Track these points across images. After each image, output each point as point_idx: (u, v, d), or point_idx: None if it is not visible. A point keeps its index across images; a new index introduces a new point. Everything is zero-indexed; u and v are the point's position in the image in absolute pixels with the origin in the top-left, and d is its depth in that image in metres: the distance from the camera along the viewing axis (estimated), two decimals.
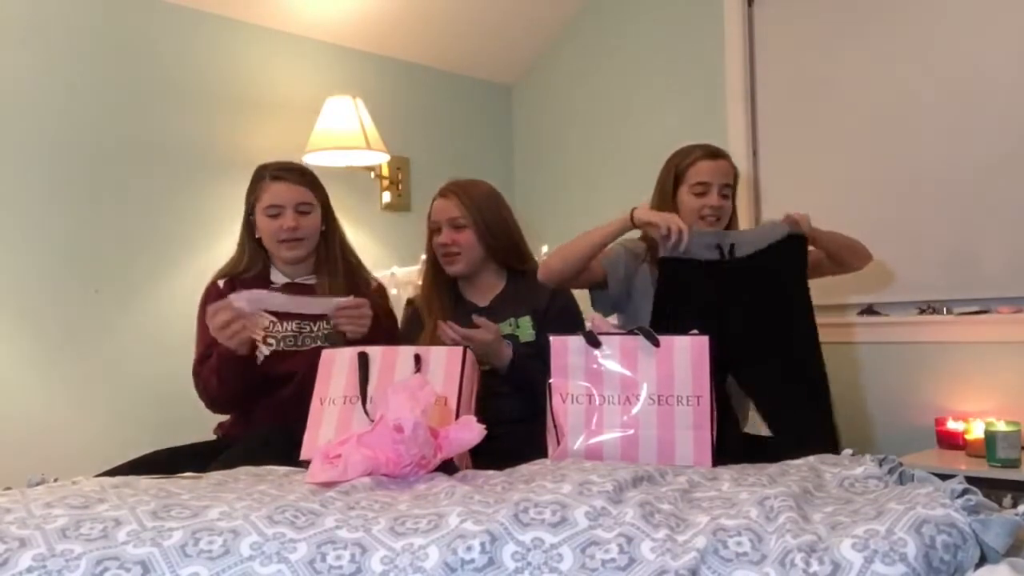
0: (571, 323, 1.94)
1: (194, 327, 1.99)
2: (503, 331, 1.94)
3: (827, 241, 2.01)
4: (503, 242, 2.02)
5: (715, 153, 2.08)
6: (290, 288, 1.96)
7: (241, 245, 2.03)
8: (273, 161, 2.02)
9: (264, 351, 1.89)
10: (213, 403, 1.91)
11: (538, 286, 2.00)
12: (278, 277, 2.00)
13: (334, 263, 2.00)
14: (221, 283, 1.99)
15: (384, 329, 1.96)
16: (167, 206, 2.67)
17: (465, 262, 1.99)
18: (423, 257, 2.11)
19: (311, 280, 2.00)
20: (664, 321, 1.78)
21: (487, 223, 1.99)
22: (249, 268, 2.00)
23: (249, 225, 2.00)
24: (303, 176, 1.98)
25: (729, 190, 2.08)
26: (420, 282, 2.13)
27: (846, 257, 2.08)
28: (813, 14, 2.82)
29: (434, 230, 2.03)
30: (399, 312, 2.15)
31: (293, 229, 1.91)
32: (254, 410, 1.90)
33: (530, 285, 2.01)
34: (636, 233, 2.08)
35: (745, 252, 1.87)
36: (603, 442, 1.49)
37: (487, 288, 2.04)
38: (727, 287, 1.85)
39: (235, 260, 2.03)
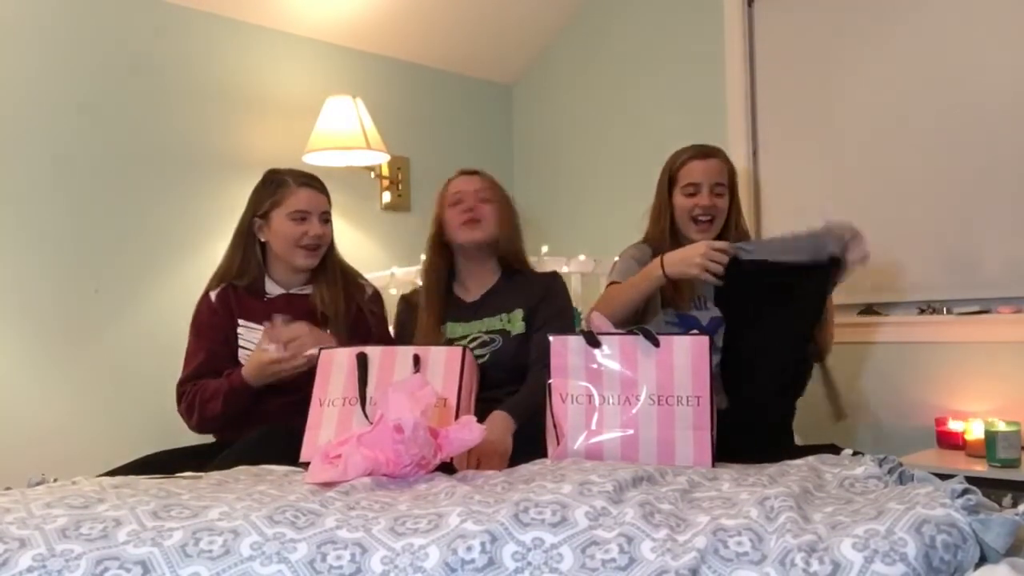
0: (561, 312, 1.96)
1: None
2: (494, 327, 1.95)
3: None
4: (513, 237, 2.04)
5: (706, 152, 2.05)
6: (286, 299, 1.96)
7: (235, 249, 1.99)
8: (285, 168, 2.03)
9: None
10: (202, 423, 1.89)
11: (532, 285, 1.99)
12: (272, 287, 1.98)
13: (332, 272, 2.00)
14: (213, 296, 1.97)
15: (378, 338, 1.97)
16: (167, 206, 2.67)
17: (485, 231, 1.98)
18: (423, 257, 2.11)
19: (307, 290, 1.99)
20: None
21: (506, 212, 2.02)
22: (242, 274, 1.97)
23: (250, 228, 1.98)
24: (324, 187, 2.01)
25: (723, 188, 2.03)
26: (420, 280, 2.13)
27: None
28: (813, 14, 2.82)
29: (453, 203, 2.00)
30: (393, 309, 2.15)
31: (319, 236, 1.93)
32: (253, 416, 1.88)
33: (523, 284, 2.01)
34: (640, 230, 2.09)
35: (752, 256, 1.78)
36: (603, 442, 1.49)
37: (479, 284, 2.03)
38: (734, 293, 1.81)
39: (226, 265, 1.99)
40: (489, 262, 2.04)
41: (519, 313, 1.96)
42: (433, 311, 1.97)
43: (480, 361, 1.90)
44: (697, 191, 2.01)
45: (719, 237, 2.01)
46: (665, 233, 2.04)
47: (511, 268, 2.05)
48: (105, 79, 2.56)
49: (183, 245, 2.69)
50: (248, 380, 1.81)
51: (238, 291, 1.97)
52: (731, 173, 2.07)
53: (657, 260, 1.84)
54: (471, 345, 1.92)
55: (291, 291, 1.98)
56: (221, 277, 2.00)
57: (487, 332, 1.95)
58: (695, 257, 1.77)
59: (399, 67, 3.32)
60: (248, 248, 1.98)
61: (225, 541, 0.97)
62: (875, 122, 2.66)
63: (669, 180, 2.06)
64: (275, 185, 1.95)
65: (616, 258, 2.08)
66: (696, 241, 1.92)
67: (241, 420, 1.87)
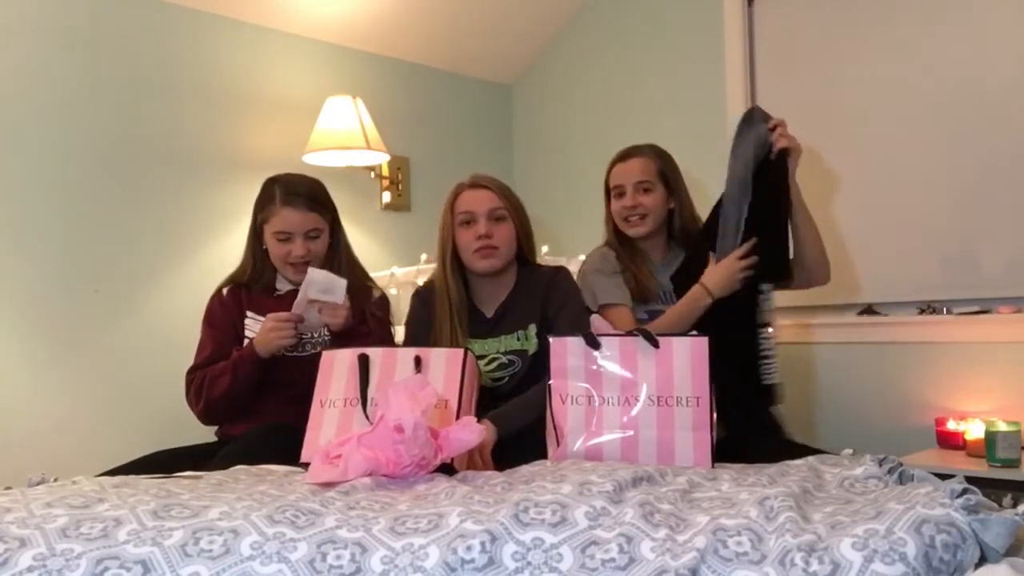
0: (568, 300, 1.93)
1: (195, 327, 2.01)
2: (511, 346, 1.91)
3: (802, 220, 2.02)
4: (530, 241, 1.99)
5: (625, 154, 2.15)
6: (295, 295, 1.97)
7: (247, 254, 2.04)
8: (283, 173, 2.01)
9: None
10: (209, 405, 1.90)
11: (540, 286, 1.95)
12: (284, 285, 2.03)
13: (339, 273, 2.00)
14: (225, 291, 2.02)
15: (376, 343, 1.95)
16: (167, 206, 2.67)
17: (501, 258, 1.91)
18: (423, 257, 2.10)
19: None
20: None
21: (521, 222, 1.95)
22: (255, 278, 2.02)
23: (256, 233, 2.01)
24: (313, 201, 1.95)
25: (649, 184, 2.10)
26: (428, 279, 2.07)
27: (816, 266, 2.07)
28: (813, 14, 2.82)
29: (464, 223, 1.91)
30: (402, 307, 2.14)
31: (302, 256, 1.93)
32: (253, 414, 1.90)
33: (534, 289, 1.96)
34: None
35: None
36: (603, 443, 1.49)
37: (494, 296, 1.97)
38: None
39: (241, 270, 2.04)
40: (504, 275, 1.97)
41: (533, 328, 1.91)
42: (459, 332, 1.90)
43: (500, 383, 1.89)
44: (623, 192, 2.11)
45: (669, 232, 2.15)
46: (612, 237, 2.18)
47: (523, 264, 2.00)
48: (105, 79, 2.56)
49: (183, 245, 2.69)
50: (256, 347, 1.84)
51: (250, 287, 2.02)
52: (661, 169, 2.12)
53: (700, 290, 1.94)
54: (491, 367, 1.90)
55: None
56: (234, 281, 2.04)
57: (505, 353, 1.91)
58: (736, 275, 1.92)
59: (399, 67, 3.32)
60: (256, 253, 2.02)
61: (225, 541, 0.97)
62: (875, 122, 2.66)
63: (606, 189, 2.18)
64: (266, 199, 1.96)
65: (581, 256, 2.23)
66: (631, 235, 2.11)
67: (241, 415, 1.89)
